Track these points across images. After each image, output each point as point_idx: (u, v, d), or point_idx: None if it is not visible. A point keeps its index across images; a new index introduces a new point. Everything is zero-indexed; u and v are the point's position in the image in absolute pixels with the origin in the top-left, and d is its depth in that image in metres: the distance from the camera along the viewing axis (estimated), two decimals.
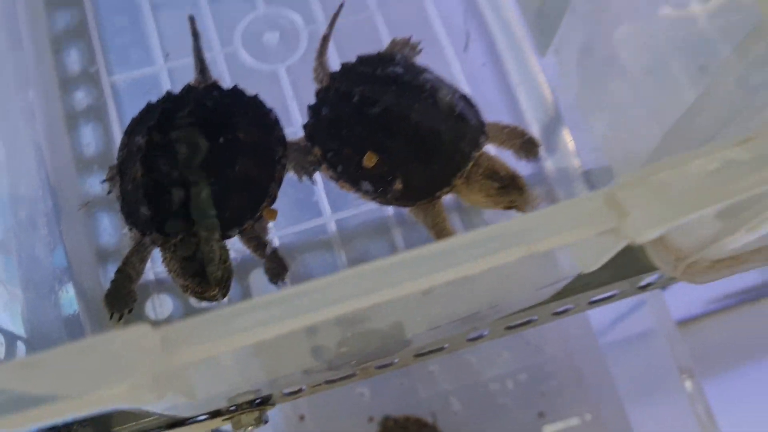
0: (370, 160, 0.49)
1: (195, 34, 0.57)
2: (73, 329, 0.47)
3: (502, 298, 0.43)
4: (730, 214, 0.45)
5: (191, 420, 0.50)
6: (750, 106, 0.37)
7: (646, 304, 1.05)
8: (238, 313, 0.25)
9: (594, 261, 0.32)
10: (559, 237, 0.27)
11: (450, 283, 0.30)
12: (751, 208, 0.42)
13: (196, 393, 0.31)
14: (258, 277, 0.52)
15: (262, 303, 0.26)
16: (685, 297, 1.26)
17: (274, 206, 0.51)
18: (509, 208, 0.50)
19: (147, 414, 0.46)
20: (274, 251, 0.50)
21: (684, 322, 1.32)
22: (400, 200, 0.49)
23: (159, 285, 0.51)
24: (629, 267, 0.53)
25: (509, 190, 0.49)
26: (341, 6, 0.58)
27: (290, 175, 0.52)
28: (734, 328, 1.34)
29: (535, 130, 0.55)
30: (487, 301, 0.41)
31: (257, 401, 0.52)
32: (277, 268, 0.50)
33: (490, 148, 0.53)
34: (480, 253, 0.26)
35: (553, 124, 0.55)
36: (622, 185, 0.27)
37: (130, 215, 0.49)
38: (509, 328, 0.56)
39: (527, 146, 0.53)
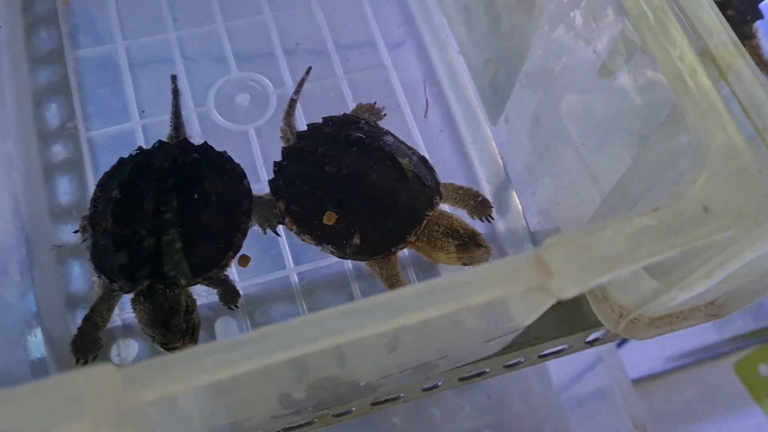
0: (329, 218, 0.52)
1: (175, 92, 0.60)
2: (38, 373, 0.48)
3: (451, 348, 0.45)
4: (663, 274, 0.48)
5: None
6: (672, 172, 0.40)
7: (603, 361, 1.08)
8: (198, 354, 0.28)
9: (528, 316, 0.35)
10: (491, 292, 0.30)
11: (394, 333, 0.33)
12: (681, 269, 0.46)
13: None
14: (223, 325, 0.54)
15: (222, 345, 0.28)
16: (643, 355, 1.29)
17: (241, 255, 0.54)
18: (468, 264, 0.53)
19: None
20: (226, 279, 0.53)
21: (641, 380, 1.34)
22: (357, 255, 0.52)
23: (125, 330, 0.53)
24: (576, 323, 0.57)
25: (468, 247, 0.52)
26: (309, 70, 0.62)
27: (256, 228, 0.55)
28: (690, 386, 1.37)
29: (488, 193, 0.58)
30: (435, 350, 0.44)
31: None
32: (230, 294, 0.53)
33: (446, 208, 0.56)
34: (417, 306, 0.29)
35: (503, 188, 0.58)
36: (547, 247, 0.30)
37: (99, 264, 0.51)
38: (462, 379, 0.59)
39: (481, 207, 0.56)
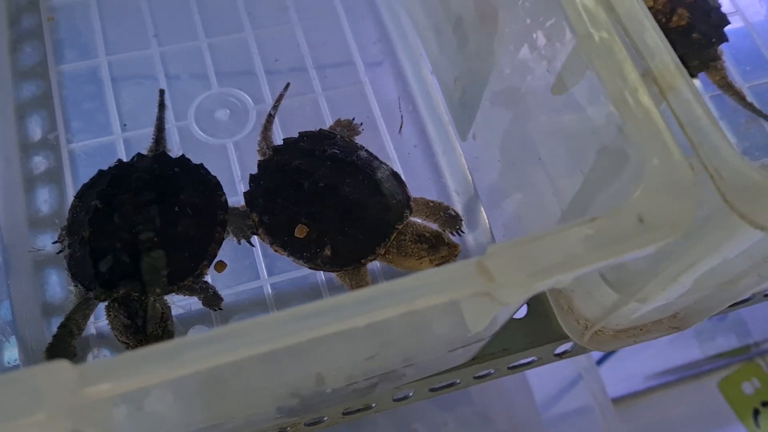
0: (301, 232, 0.53)
1: (161, 106, 0.62)
2: None
3: (415, 356, 0.47)
4: (622, 286, 0.50)
5: None
6: (623, 185, 0.42)
7: (583, 379, 1.09)
8: (154, 352, 0.29)
9: (478, 322, 0.37)
10: (435, 297, 0.31)
11: (349, 338, 0.34)
12: (637, 281, 0.47)
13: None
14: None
15: (180, 343, 0.29)
16: (626, 373, 1.30)
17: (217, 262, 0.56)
18: (440, 264, 0.55)
19: None
20: (206, 284, 0.54)
21: (625, 398, 1.35)
22: (327, 266, 0.54)
23: (99, 339, 0.54)
24: (544, 335, 0.58)
25: (438, 247, 0.54)
26: (287, 86, 0.64)
27: (231, 238, 0.56)
28: (675, 405, 1.37)
29: (458, 207, 0.60)
30: (399, 357, 0.45)
31: None
32: (212, 299, 0.54)
33: (417, 221, 0.58)
34: (364, 309, 0.30)
35: (473, 202, 0.60)
36: (489, 255, 0.31)
37: (76, 273, 0.52)
38: (433, 390, 0.60)
39: (451, 220, 0.58)
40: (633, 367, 1.33)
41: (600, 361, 1.20)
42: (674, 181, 0.33)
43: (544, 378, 1.15)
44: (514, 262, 0.31)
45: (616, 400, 1.29)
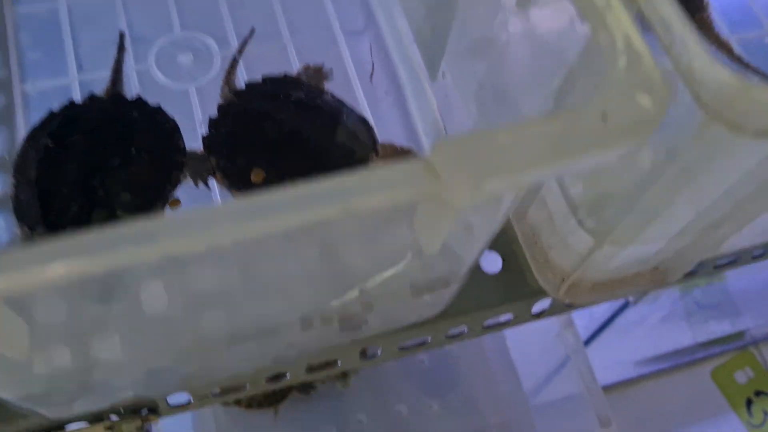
0: (257, 176, 0.51)
1: (121, 49, 0.60)
2: None
3: (372, 292, 0.44)
4: (596, 229, 0.47)
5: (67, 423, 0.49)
6: None
7: (570, 360, 1.07)
8: (60, 246, 0.26)
9: (431, 237, 0.34)
10: (376, 197, 0.28)
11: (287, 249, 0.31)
12: (611, 221, 0.45)
13: (26, 350, 0.31)
14: None
15: (86, 238, 0.26)
16: (615, 359, 1.27)
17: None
18: None
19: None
20: None
21: (616, 386, 1.32)
22: None
23: None
24: (519, 291, 0.55)
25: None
26: (252, 31, 0.61)
27: (188, 182, 0.54)
28: (667, 394, 1.35)
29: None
30: (352, 287, 0.42)
31: (143, 411, 0.52)
32: None
33: None
34: (296, 209, 0.27)
35: None
36: (436, 150, 0.29)
37: (22, 214, 0.50)
38: (403, 348, 0.57)
39: None
40: (623, 353, 1.30)
41: (588, 341, 1.17)
42: (641, 79, 0.30)
43: (533, 361, 1.13)
44: (465, 159, 0.28)
45: (607, 388, 1.26)
